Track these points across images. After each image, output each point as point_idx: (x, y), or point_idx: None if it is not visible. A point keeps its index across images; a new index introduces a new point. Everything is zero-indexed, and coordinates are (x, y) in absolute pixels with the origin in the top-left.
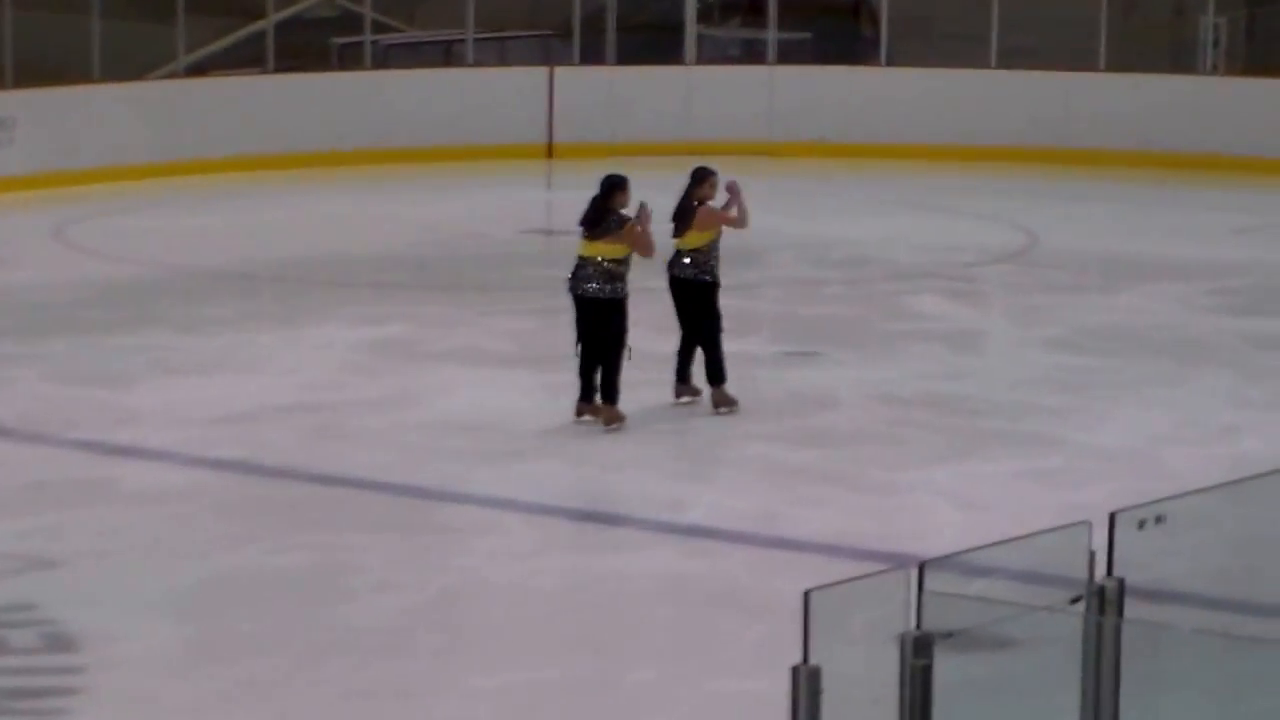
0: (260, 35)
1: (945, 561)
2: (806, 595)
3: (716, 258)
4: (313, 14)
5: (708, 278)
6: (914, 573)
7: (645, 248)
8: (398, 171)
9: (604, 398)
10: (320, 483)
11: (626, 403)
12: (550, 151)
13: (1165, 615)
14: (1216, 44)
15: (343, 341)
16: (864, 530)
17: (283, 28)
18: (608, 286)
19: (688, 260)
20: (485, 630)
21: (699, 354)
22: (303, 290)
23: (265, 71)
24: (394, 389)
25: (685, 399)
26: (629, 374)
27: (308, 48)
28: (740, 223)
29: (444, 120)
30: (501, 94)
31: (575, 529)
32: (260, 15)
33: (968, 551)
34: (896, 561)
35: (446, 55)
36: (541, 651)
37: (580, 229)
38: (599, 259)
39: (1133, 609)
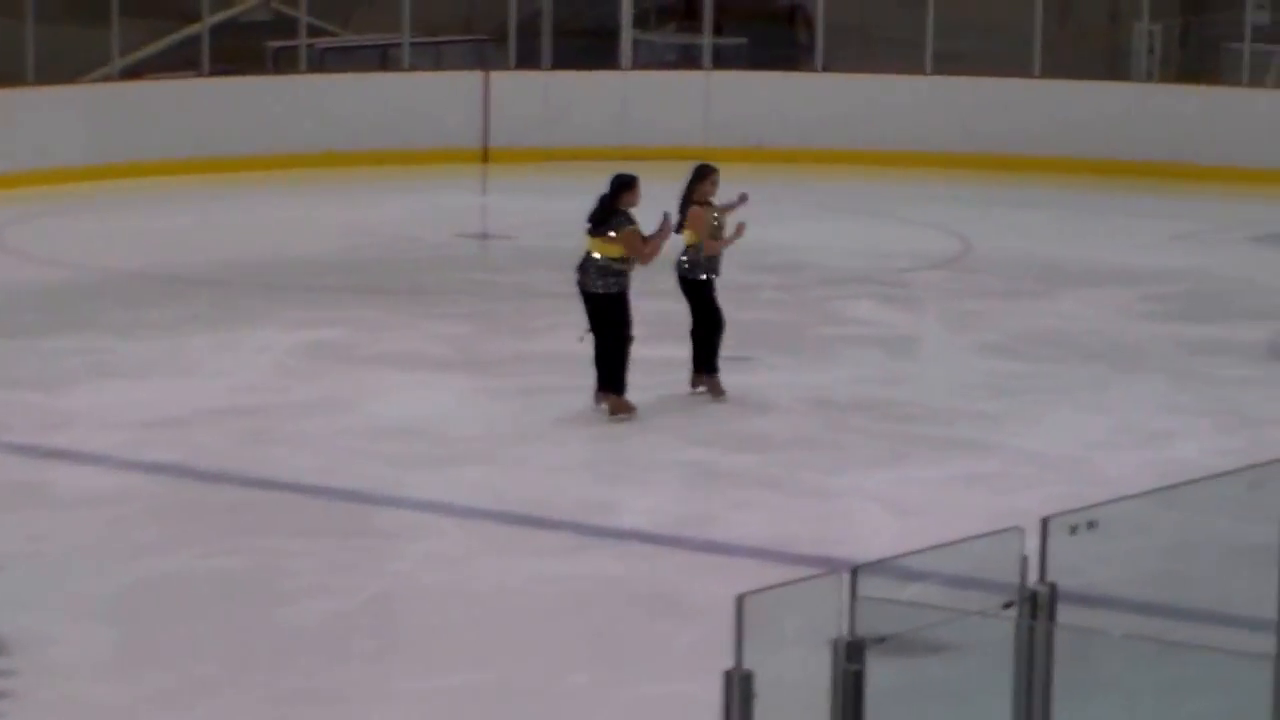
0: (195, 39)
1: (878, 566)
2: (739, 600)
3: (700, 256)
4: (248, 18)
5: (702, 275)
6: (847, 578)
7: (643, 256)
8: (333, 175)
9: (611, 389)
10: (255, 486)
11: (563, 405)
12: (486, 156)
13: (1097, 620)
14: (1151, 51)
15: (278, 345)
16: (798, 535)
17: (218, 31)
18: (606, 282)
19: (684, 257)
20: (419, 634)
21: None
22: (238, 294)
23: (200, 75)
24: (329, 393)
25: (700, 389)
26: (567, 378)
27: (243, 51)
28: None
29: (379, 124)
30: (437, 98)
31: (509, 533)
32: (195, 19)
33: (900, 557)
34: (830, 566)
35: (382, 59)
36: (475, 655)
37: (587, 225)
38: (598, 256)
39: (1065, 614)
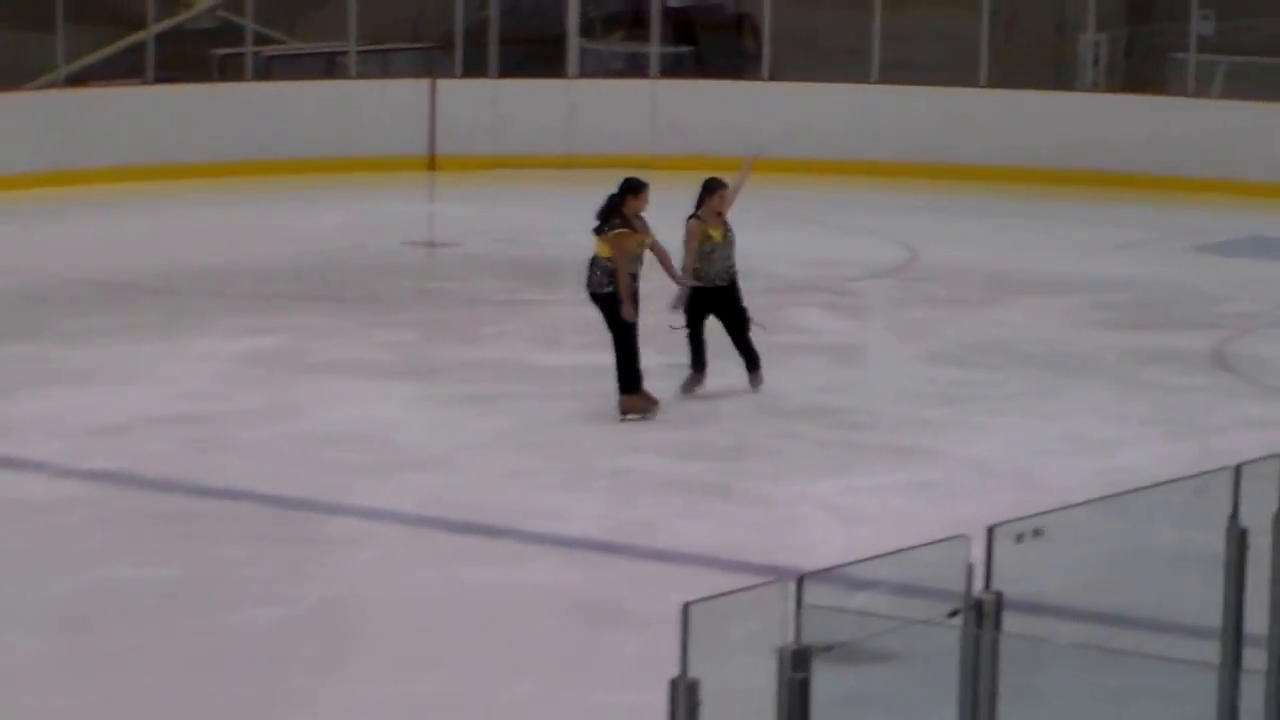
0: (141, 46)
1: (824, 575)
2: (685, 608)
3: (700, 263)
4: (194, 25)
5: (700, 283)
6: (792, 586)
7: (618, 261)
8: (280, 183)
9: (621, 388)
10: (200, 494)
11: (510, 412)
12: (432, 164)
13: (1043, 629)
14: (1096, 61)
15: (224, 353)
16: (744, 543)
17: (163, 38)
18: (605, 280)
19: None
20: (365, 642)
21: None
22: (184, 301)
23: (146, 82)
24: (275, 400)
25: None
26: (515, 385)
27: (188, 59)
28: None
29: (326, 132)
30: (384, 106)
31: (456, 541)
32: (141, 26)
33: (847, 565)
34: (776, 574)
35: (329, 67)
36: (422, 664)
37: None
38: (598, 257)
39: (1010, 622)
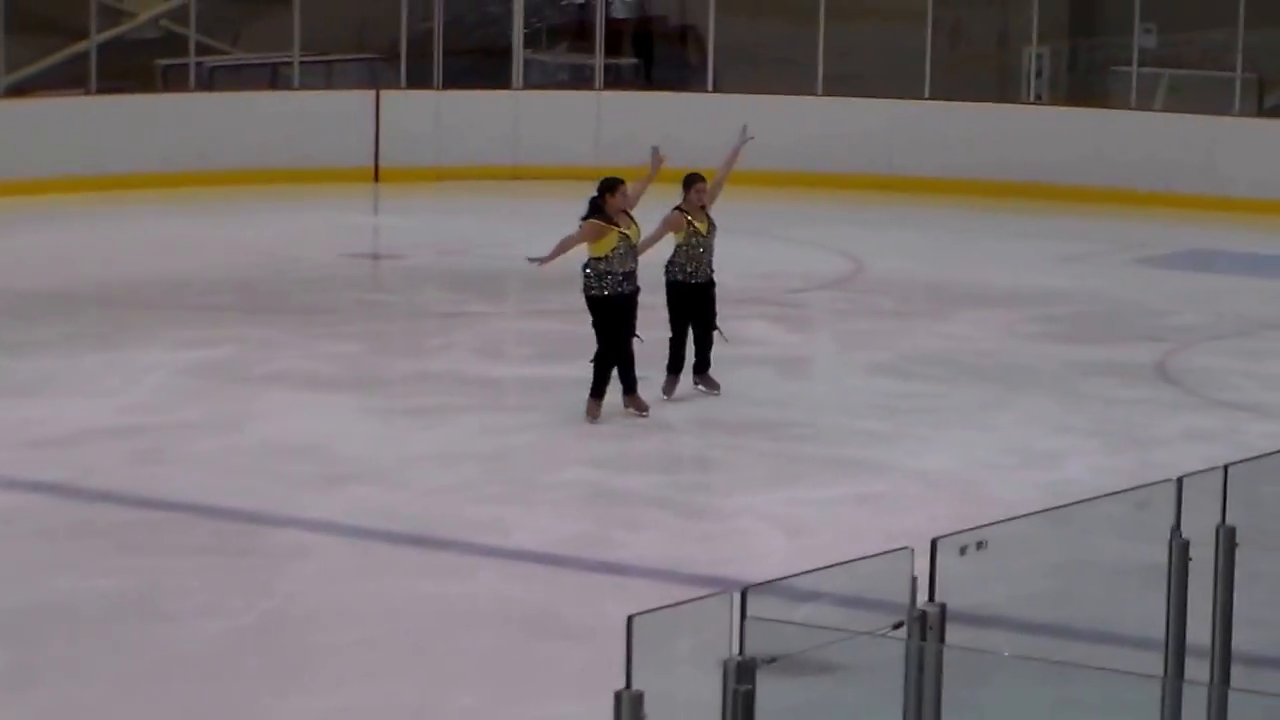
0: (83, 56)
1: (769, 587)
2: (630, 620)
3: (685, 259)
4: (136, 35)
5: (678, 277)
6: (737, 598)
7: (569, 241)
8: (223, 194)
9: (591, 391)
10: (143, 506)
11: (455, 424)
12: (377, 175)
13: (987, 640)
14: (1039, 74)
15: (167, 364)
16: (689, 555)
17: (106, 49)
18: (588, 283)
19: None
20: (308, 654)
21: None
22: (127, 312)
23: (88, 93)
24: (218, 412)
25: (700, 389)
26: (459, 397)
27: (131, 69)
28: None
29: (270, 143)
30: (328, 117)
31: (400, 553)
32: (83, 36)
33: (791, 577)
34: (722, 586)
35: (272, 78)
36: (365, 676)
37: None
38: (588, 259)
39: (954, 634)
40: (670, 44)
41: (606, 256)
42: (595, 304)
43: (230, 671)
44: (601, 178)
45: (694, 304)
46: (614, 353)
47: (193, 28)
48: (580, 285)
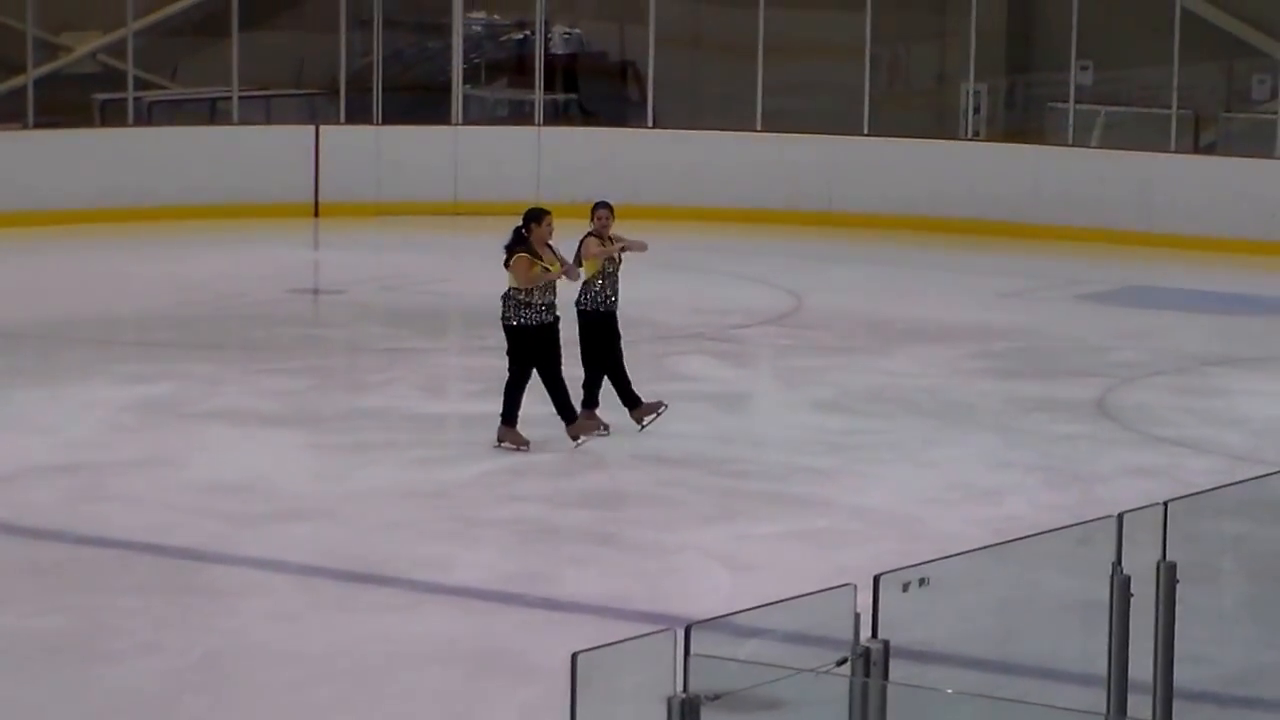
0: (20, 91)
1: (712, 624)
2: (574, 657)
3: (604, 285)
4: (73, 70)
5: (591, 307)
6: (681, 635)
7: (526, 280)
8: (162, 229)
9: (503, 417)
10: (83, 544)
11: (396, 460)
12: (317, 210)
13: (930, 677)
14: (977, 110)
15: (107, 401)
16: (632, 592)
17: (43, 83)
18: (511, 313)
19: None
20: (251, 693)
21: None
22: (66, 348)
23: (25, 127)
24: (159, 449)
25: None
26: (400, 433)
27: (69, 104)
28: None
29: (209, 178)
30: (267, 152)
31: (342, 590)
32: (20, 70)
33: (735, 614)
34: (665, 623)
35: (211, 112)
36: (308, 714)
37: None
38: (509, 290)
39: (898, 670)
40: (610, 79)
41: (528, 288)
42: (513, 333)
43: (173, 711)
44: (528, 209)
45: (608, 332)
46: (544, 380)
47: (130, 62)
48: (502, 314)
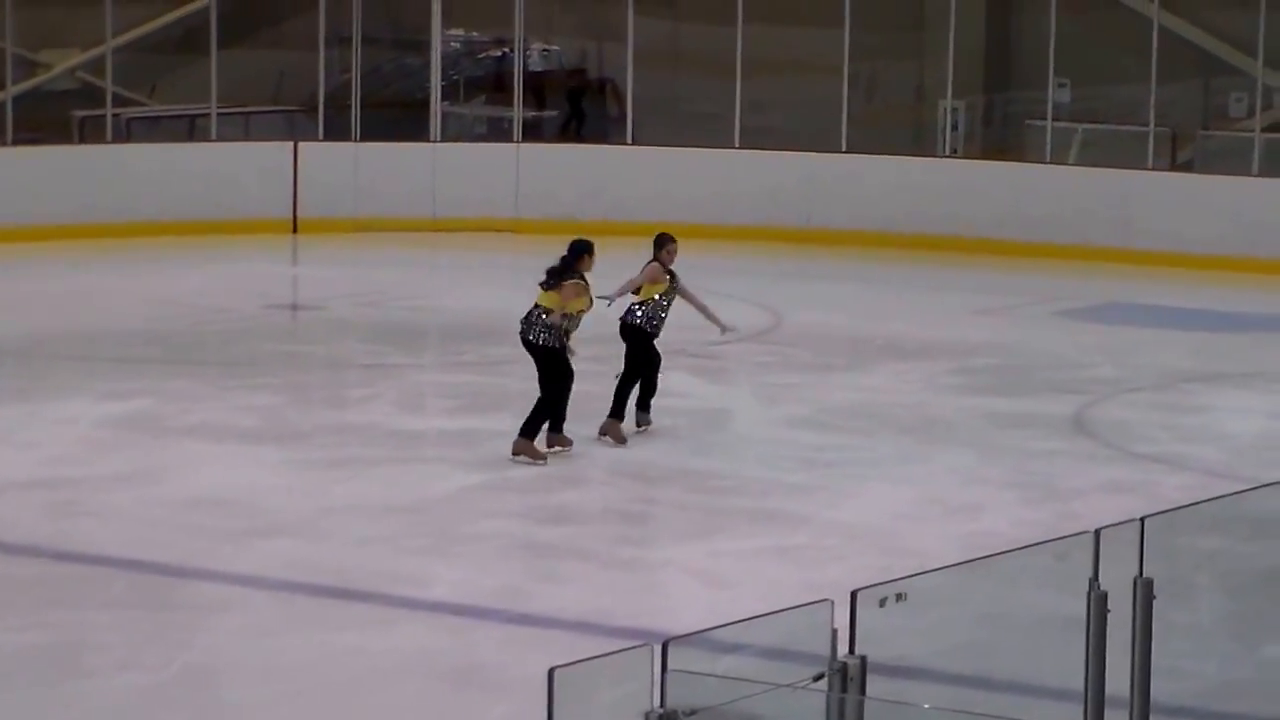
0: None
1: (690, 639)
2: (551, 673)
3: (651, 311)
4: (52, 86)
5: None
6: (658, 650)
7: (564, 304)
8: (141, 246)
9: (523, 432)
10: (62, 559)
11: (375, 476)
12: (295, 226)
13: (907, 692)
14: (955, 128)
15: (86, 417)
16: (610, 607)
17: (22, 100)
18: (548, 335)
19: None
20: (229, 709)
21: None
22: (45, 365)
23: (4, 144)
24: (137, 465)
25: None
26: (378, 449)
27: (48, 120)
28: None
29: (188, 194)
30: (246, 169)
31: (320, 605)
32: None
33: (712, 629)
34: (643, 639)
35: (190, 129)
36: None
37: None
38: (539, 308)
39: (875, 686)
40: (590, 97)
41: (571, 315)
42: (549, 355)
43: None
44: (575, 238)
45: (652, 351)
46: (554, 397)
47: (109, 79)
48: (532, 335)
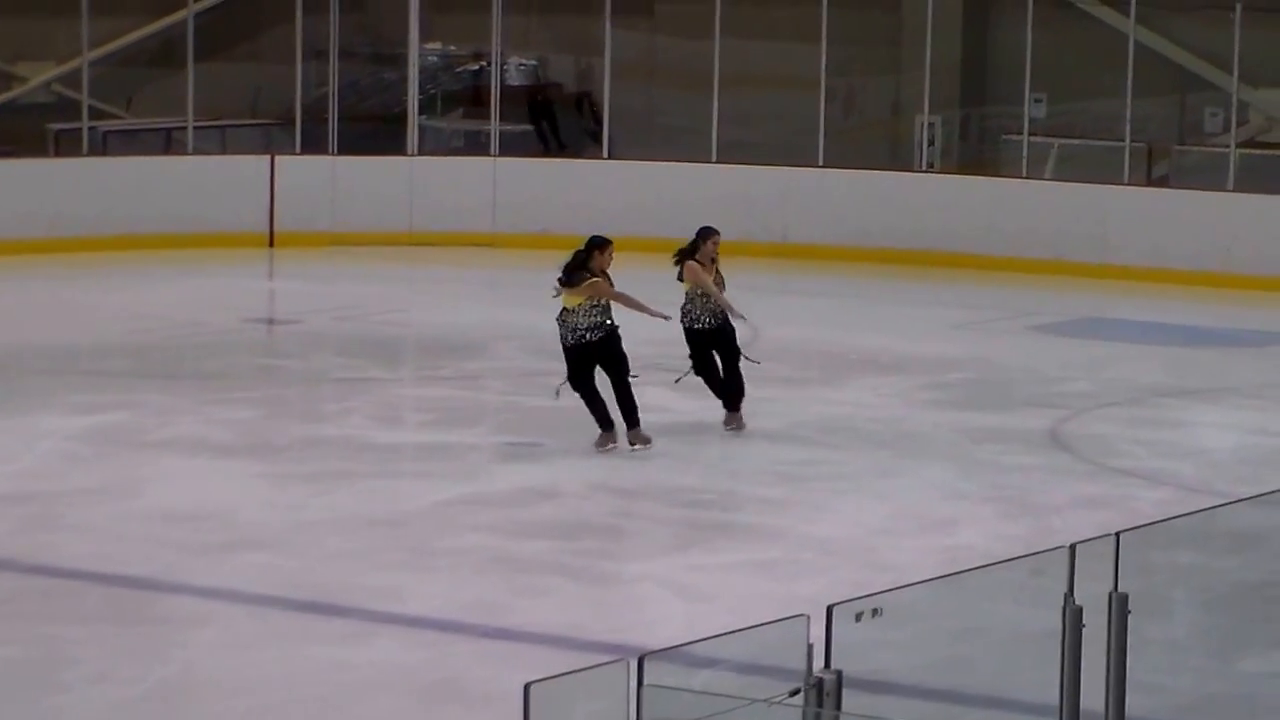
0: None
1: (665, 654)
2: (527, 688)
3: (699, 308)
4: (28, 99)
5: (697, 325)
6: (634, 665)
7: (606, 295)
8: (117, 259)
9: (627, 422)
10: (35, 574)
11: (351, 490)
12: (272, 240)
13: (883, 707)
14: (932, 143)
15: (60, 430)
16: (585, 622)
17: None
18: (585, 330)
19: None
20: None
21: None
22: (20, 378)
23: None
24: (113, 478)
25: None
26: (355, 463)
27: (23, 133)
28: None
29: (164, 208)
30: (222, 182)
31: (296, 619)
32: None
33: (688, 644)
34: (619, 653)
35: (166, 142)
36: None
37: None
38: (567, 310)
39: (850, 701)
40: (567, 110)
41: (574, 309)
42: (569, 351)
43: None
44: (591, 235)
45: (717, 344)
46: (580, 391)
47: (85, 92)
48: (572, 339)
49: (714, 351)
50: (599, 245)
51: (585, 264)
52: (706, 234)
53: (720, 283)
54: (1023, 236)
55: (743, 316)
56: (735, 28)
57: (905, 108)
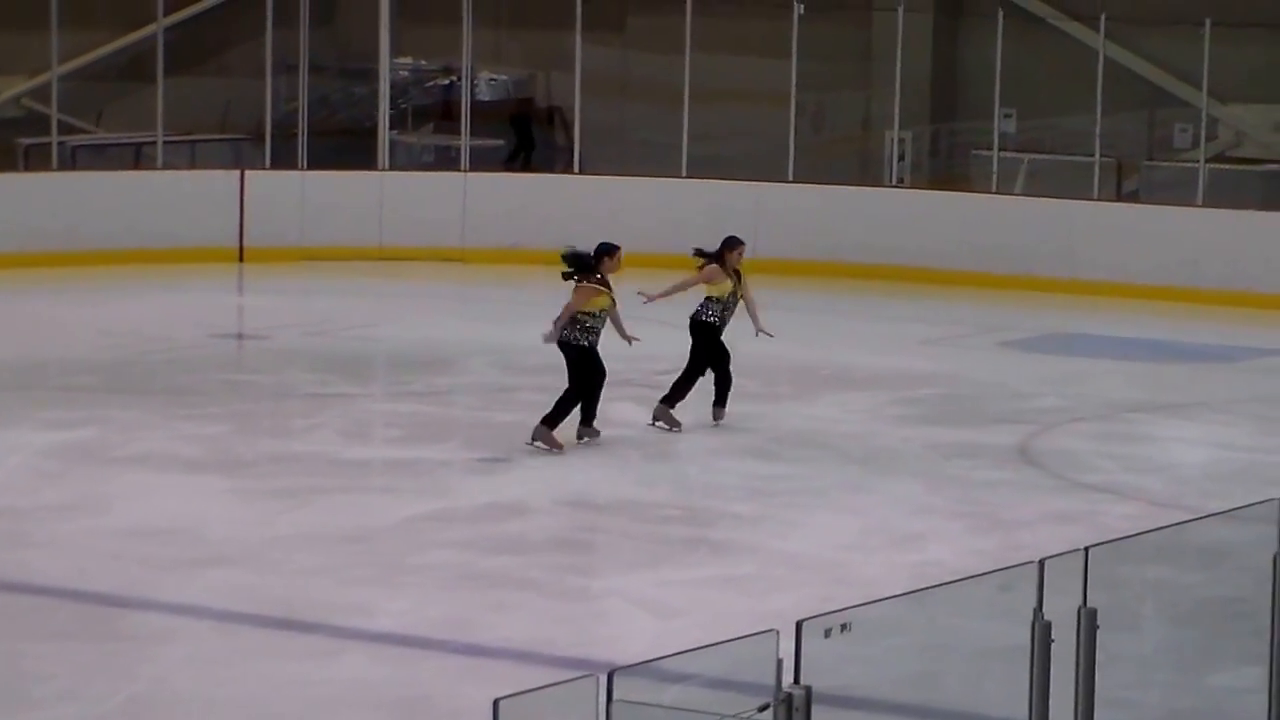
0: None
1: (635, 669)
2: (496, 704)
3: (719, 310)
4: None
5: (712, 320)
6: (604, 680)
7: (567, 308)
8: (86, 274)
9: (546, 421)
10: (4, 589)
11: (319, 506)
12: (242, 255)
13: None
14: (902, 158)
15: (29, 445)
16: (556, 637)
17: None
18: (574, 334)
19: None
20: None
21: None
22: None
23: None
24: (81, 494)
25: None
26: (323, 479)
27: None
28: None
29: (133, 222)
30: (192, 197)
31: (265, 635)
32: None
33: (658, 659)
34: (588, 668)
35: (136, 157)
36: None
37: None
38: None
39: (820, 716)
40: (538, 125)
41: (594, 313)
42: (577, 352)
43: None
44: (600, 242)
45: (717, 344)
46: (582, 394)
47: (55, 106)
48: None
49: (712, 351)
50: (607, 251)
51: (594, 267)
52: (732, 244)
53: (747, 294)
54: (993, 252)
55: (770, 333)
56: (706, 43)
57: (875, 123)
